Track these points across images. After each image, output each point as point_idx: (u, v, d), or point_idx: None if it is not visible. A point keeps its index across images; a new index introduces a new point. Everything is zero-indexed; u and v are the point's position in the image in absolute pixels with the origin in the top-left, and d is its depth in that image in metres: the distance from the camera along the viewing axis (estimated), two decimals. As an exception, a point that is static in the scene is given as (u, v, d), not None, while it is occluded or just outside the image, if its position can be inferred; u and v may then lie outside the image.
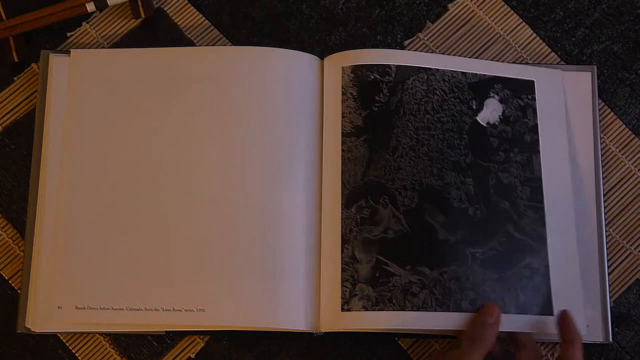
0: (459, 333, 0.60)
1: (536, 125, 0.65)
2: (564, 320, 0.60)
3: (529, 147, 0.65)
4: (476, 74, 0.66)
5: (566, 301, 0.61)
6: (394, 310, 0.60)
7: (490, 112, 0.65)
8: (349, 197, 0.62)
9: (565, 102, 0.66)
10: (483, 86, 0.66)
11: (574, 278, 0.62)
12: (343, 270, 0.61)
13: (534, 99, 0.66)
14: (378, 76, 0.64)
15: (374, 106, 0.64)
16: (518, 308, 0.61)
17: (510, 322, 0.60)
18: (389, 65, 0.65)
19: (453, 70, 0.66)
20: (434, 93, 0.65)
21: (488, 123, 0.65)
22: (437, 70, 0.65)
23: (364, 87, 0.64)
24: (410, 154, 0.63)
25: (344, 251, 0.61)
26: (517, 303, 0.61)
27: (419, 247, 0.61)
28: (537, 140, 0.65)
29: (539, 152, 0.65)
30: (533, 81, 0.66)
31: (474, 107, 0.65)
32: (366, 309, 0.60)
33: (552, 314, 0.61)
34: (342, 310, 0.60)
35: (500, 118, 0.65)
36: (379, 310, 0.60)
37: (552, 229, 0.63)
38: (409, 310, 0.60)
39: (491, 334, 0.57)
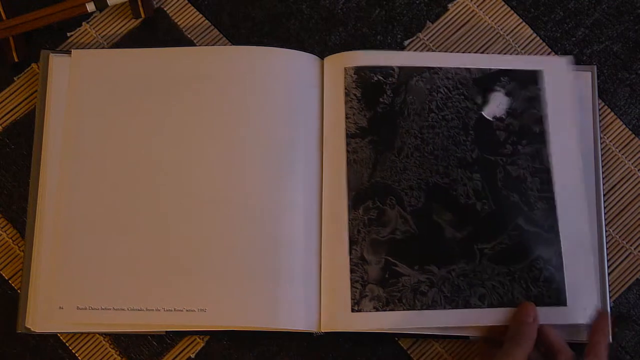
0: (499, 335, 0.60)
1: (545, 116, 0.65)
2: (604, 317, 0.60)
3: (538, 138, 0.65)
4: (481, 69, 0.66)
5: (581, 289, 0.61)
6: (404, 309, 0.60)
7: (497, 105, 0.65)
8: (355, 198, 0.62)
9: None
10: (488, 80, 0.66)
11: (588, 265, 0.62)
12: (352, 271, 0.61)
13: (541, 89, 0.66)
14: (381, 77, 0.64)
15: (378, 107, 0.64)
16: (529, 300, 0.61)
17: None
18: (392, 66, 0.65)
19: (457, 67, 0.66)
20: (437, 91, 0.65)
21: (494, 117, 0.65)
22: (441, 68, 0.65)
23: (367, 88, 0.64)
24: (415, 154, 0.63)
25: (352, 252, 0.61)
26: (527, 296, 0.61)
27: (426, 246, 0.62)
28: (546, 131, 0.65)
29: (548, 142, 0.65)
30: (541, 71, 0.66)
31: (479, 102, 0.65)
32: (377, 310, 0.60)
33: (565, 305, 0.61)
34: (352, 311, 0.60)
35: (506, 111, 0.65)
36: (390, 310, 0.60)
37: (564, 218, 0.63)
38: (418, 310, 0.60)
39: (531, 331, 0.58)
